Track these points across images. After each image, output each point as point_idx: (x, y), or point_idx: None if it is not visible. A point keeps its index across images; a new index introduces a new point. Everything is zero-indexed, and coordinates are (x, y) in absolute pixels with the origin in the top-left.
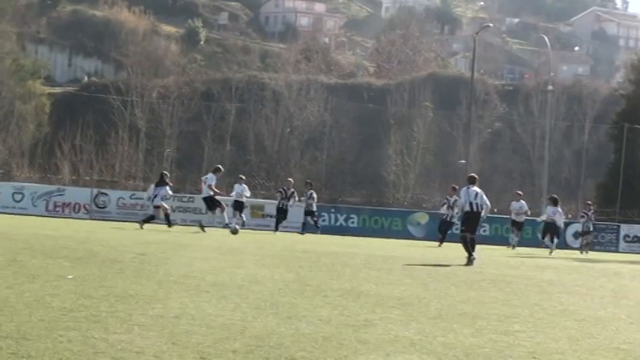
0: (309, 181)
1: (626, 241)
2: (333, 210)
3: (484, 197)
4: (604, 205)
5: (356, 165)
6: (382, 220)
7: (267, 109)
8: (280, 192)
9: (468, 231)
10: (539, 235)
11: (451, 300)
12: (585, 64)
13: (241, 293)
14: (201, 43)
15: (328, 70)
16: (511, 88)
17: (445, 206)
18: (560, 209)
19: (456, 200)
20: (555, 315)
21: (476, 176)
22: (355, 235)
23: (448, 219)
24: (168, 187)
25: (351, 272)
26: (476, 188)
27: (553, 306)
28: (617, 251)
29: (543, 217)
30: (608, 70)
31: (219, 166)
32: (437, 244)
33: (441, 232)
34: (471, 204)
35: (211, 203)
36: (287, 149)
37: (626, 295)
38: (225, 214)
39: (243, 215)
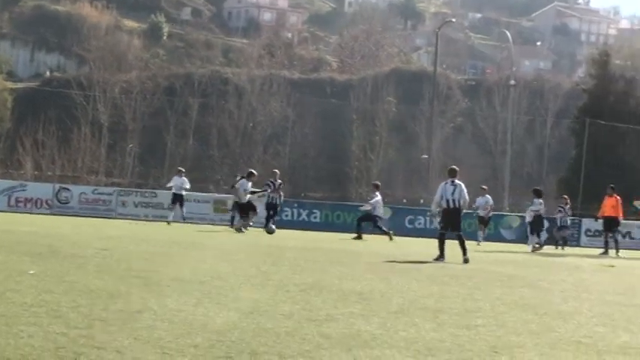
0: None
1: (588, 236)
2: (296, 205)
3: (464, 191)
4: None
5: (319, 160)
6: (345, 215)
7: (229, 104)
8: (269, 184)
9: (446, 229)
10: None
11: (413, 294)
12: (547, 59)
13: (203, 288)
14: (164, 38)
15: (291, 66)
16: (473, 82)
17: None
18: (541, 201)
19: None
20: (516, 309)
21: (456, 169)
22: (318, 230)
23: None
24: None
25: (313, 267)
26: (457, 182)
27: (514, 300)
28: (578, 245)
29: (532, 211)
30: (569, 64)
31: (253, 171)
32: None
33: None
34: (447, 201)
35: (247, 209)
36: (250, 144)
37: (586, 289)
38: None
39: (184, 209)
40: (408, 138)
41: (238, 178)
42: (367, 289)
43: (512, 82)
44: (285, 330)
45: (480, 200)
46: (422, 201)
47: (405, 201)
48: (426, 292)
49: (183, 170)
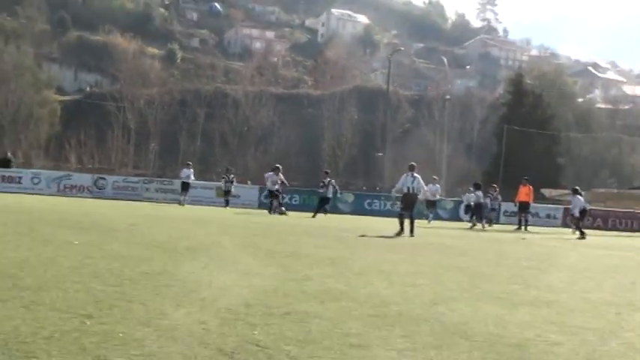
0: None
1: (506, 215)
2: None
3: (421, 182)
4: (488, 188)
5: (298, 156)
6: (317, 199)
7: (229, 113)
8: (322, 183)
9: (406, 210)
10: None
11: (371, 260)
12: (474, 79)
13: (209, 255)
14: (178, 61)
15: (277, 83)
16: (417, 97)
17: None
18: (481, 192)
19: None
20: (450, 271)
21: (414, 164)
22: (297, 211)
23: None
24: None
25: (293, 239)
26: (415, 174)
27: (449, 264)
28: (498, 223)
29: (471, 200)
30: (492, 83)
31: (278, 166)
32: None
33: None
34: (408, 188)
35: (274, 196)
36: (244, 144)
37: (505, 257)
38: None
39: (187, 195)
40: (367, 139)
41: (230, 177)
42: (336, 256)
43: (448, 96)
44: (272, 287)
45: (431, 187)
46: (378, 188)
47: (364, 188)
48: (381, 258)
49: (190, 163)
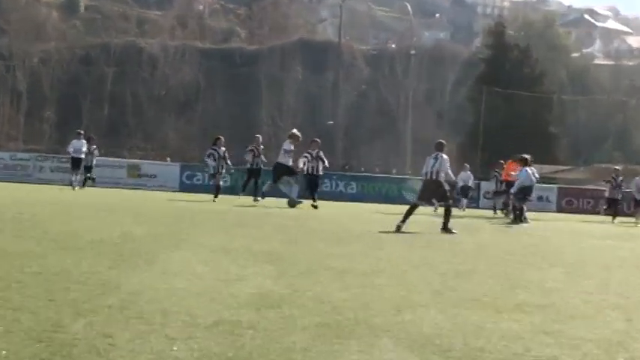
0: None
1: (486, 198)
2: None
3: (444, 165)
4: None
5: (229, 127)
6: (305, 181)
7: (144, 72)
8: (252, 151)
9: (421, 199)
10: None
11: (320, 255)
12: (446, 30)
13: (117, 250)
14: (81, 10)
15: (202, 36)
16: (376, 52)
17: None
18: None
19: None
20: (419, 268)
21: (443, 142)
22: (229, 194)
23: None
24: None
25: (223, 228)
26: (441, 155)
27: (417, 260)
28: (477, 207)
29: (469, 181)
30: (467, 35)
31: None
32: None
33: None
34: (426, 173)
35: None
36: (163, 111)
37: (486, 249)
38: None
39: (79, 175)
40: (314, 105)
41: (92, 148)
42: (276, 250)
43: (413, 51)
44: (197, 290)
45: (462, 175)
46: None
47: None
48: (332, 252)
49: (82, 132)
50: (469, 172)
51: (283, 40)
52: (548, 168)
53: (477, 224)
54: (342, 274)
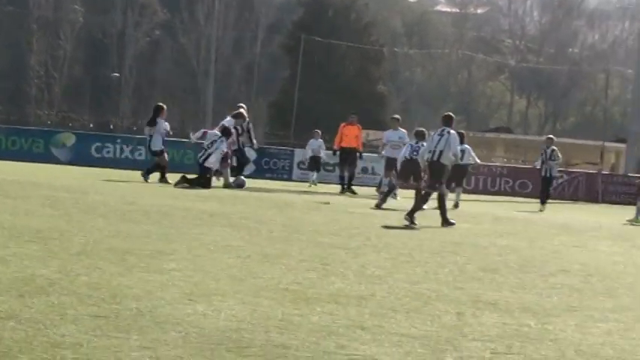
0: None
1: (301, 169)
2: None
3: (453, 143)
4: (277, 128)
5: None
6: (21, 142)
7: None
8: (236, 129)
9: (438, 183)
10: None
11: (98, 234)
12: None
13: None
14: None
15: None
16: None
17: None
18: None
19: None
20: (216, 251)
21: (452, 115)
22: None
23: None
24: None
25: None
26: (448, 131)
27: (214, 241)
28: (290, 179)
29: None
30: None
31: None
32: None
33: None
34: (431, 152)
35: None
36: None
37: (297, 229)
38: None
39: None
40: (96, 53)
41: None
42: (45, 227)
43: None
44: None
45: (313, 142)
46: (112, 126)
47: (92, 126)
48: (113, 231)
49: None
50: (320, 140)
51: None
52: (375, 135)
53: (288, 199)
54: (125, 255)
